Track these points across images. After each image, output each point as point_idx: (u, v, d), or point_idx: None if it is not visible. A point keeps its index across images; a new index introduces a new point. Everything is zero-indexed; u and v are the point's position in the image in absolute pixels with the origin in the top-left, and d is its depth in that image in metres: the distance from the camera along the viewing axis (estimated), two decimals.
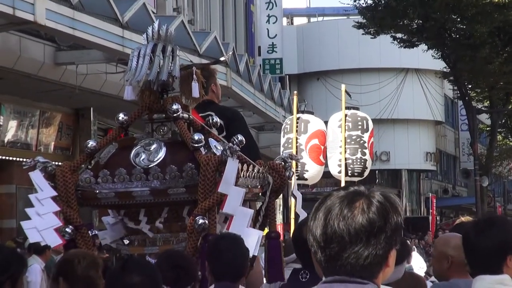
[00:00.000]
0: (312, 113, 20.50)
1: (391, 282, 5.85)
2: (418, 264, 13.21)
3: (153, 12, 20.23)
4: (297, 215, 11.08)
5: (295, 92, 23.16)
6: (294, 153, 16.21)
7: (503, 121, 44.82)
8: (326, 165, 20.31)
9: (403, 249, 6.93)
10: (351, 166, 19.77)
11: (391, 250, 3.56)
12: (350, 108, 20.65)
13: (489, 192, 42.05)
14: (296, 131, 18.13)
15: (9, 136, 20.57)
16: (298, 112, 19.37)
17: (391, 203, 3.58)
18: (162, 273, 5.49)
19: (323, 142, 18.55)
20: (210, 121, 7.43)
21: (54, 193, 7.03)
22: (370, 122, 20.50)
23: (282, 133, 18.58)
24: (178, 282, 5.60)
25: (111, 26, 17.68)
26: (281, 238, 9.29)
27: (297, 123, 18.23)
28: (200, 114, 7.57)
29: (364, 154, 20.09)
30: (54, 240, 7.21)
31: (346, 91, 20.85)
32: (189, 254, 6.62)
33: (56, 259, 10.38)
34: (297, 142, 17.79)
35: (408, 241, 19.94)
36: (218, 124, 7.58)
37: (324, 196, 3.69)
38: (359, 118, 20.35)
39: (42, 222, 7.06)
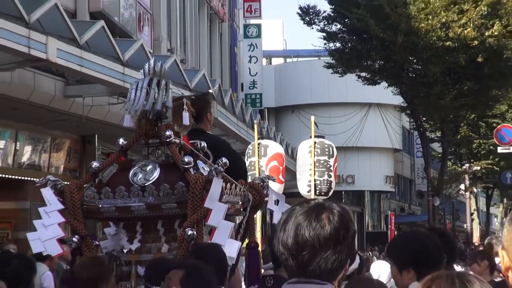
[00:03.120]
0: (323, 137, 20.66)
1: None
2: (382, 269, 13.21)
3: (150, 52, 20.25)
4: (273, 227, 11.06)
5: (256, 121, 23.35)
6: (257, 174, 16.24)
7: (453, 149, 44.78)
8: (296, 186, 20.44)
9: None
10: (319, 186, 19.81)
11: (350, 255, 3.70)
12: (318, 137, 20.76)
13: (440, 211, 42.02)
14: (258, 155, 18.33)
15: (24, 159, 20.54)
16: (262, 138, 19.59)
17: (348, 213, 3.70)
18: (154, 277, 5.55)
19: (281, 163, 18.62)
20: (198, 145, 7.51)
21: (61, 207, 7.04)
22: (335, 149, 20.55)
23: (246, 157, 18.65)
24: (189, 280, 5.44)
25: (113, 64, 17.67)
26: (260, 248, 9.32)
27: (258, 147, 18.45)
28: (190, 141, 7.62)
29: (330, 176, 20.14)
30: (55, 250, 7.21)
31: (314, 122, 20.94)
32: (198, 261, 6.55)
33: (65, 267, 10.34)
34: (259, 164, 17.90)
35: (370, 253, 20.17)
36: (205, 149, 7.63)
37: (289, 210, 3.80)
38: (326, 145, 20.41)
39: (46, 233, 7.08)
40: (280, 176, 18.53)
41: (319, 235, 3.56)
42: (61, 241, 7.54)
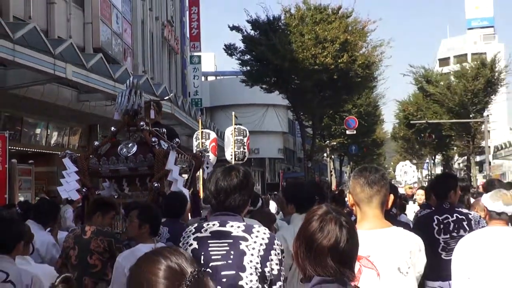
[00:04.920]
0: (240, 125, 20.99)
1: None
2: (273, 206, 13.43)
3: (131, 73, 20.21)
4: (205, 181, 11.22)
5: (198, 116, 23.66)
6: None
7: (319, 132, 44.87)
8: (224, 155, 20.75)
9: (255, 196, 6.77)
10: (237, 155, 20.09)
11: (250, 197, 3.87)
12: (237, 125, 20.97)
13: (311, 170, 42.16)
14: (203, 138, 18.89)
15: (52, 140, 20.33)
16: (204, 127, 20.13)
17: (248, 172, 3.87)
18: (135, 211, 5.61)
19: (216, 143, 19.51)
20: (160, 131, 7.62)
21: (76, 170, 7.15)
22: (247, 132, 20.86)
23: (194, 140, 19.10)
24: (143, 215, 5.37)
25: (108, 80, 17.58)
26: (200, 195, 9.41)
27: (202, 134, 18.94)
28: (154, 128, 7.67)
29: (244, 149, 20.40)
30: (75, 196, 7.30)
31: (235, 116, 21.25)
32: (150, 202, 6.51)
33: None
34: (203, 145, 18.37)
35: (268, 196, 20.37)
36: (165, 134, 7.70)
37: (214, 169, 3.99)
38: (241, 130, 20.67)
39: (68, 186, 7.15)
40: (216, 151, 19.12)
41: (229, 184, 3.70)
42: (77, 191, 7.62)
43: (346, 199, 9.23)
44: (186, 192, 7.07)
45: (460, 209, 6.30)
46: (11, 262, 4.48)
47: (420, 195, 13.07)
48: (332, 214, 2.65)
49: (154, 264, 1.97)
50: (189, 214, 7.20)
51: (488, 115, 46.38)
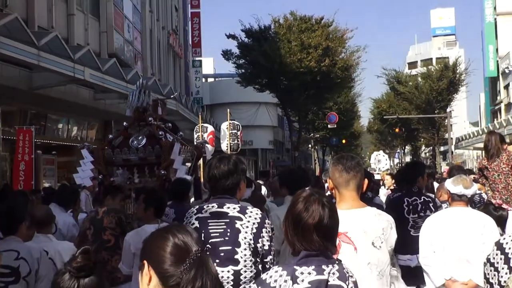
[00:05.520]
0: (234, 119, 20.93)
1: (245, 197, 6.04)
2: (264, 189, 13.44)
3: (141, 75, 20.15)
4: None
5: (200, 112, 23.54)
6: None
7: (304, 125, 44.90)
8: (220, 147, 20.66)
9: (249, 181, 6.78)
10: (232, 147, 20.09)
11: (241, 182, 3.84)
12: (232, 120, 20.95)
13: (298, 158, 42.23)
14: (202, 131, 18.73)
15: (73, 134, 20.24)
16: (204, 122, 20.05)
17: (239, 160, 3.87)
18: (143, 195, 5.62)
19: (214, 136, 19.15)
20: (166, 126, 7.60)
21: (92, 159, 7.13)
22: (241, 126, 20.86)
23: (194, 133, 18.95)
24: (149, 199, 5.39)
25: (121, 81, 17.53)
26: (202, 180, 9.40)
27: (202, 128, 18.81)
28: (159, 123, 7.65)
29: (238, 141, 20.36)
30: (88, 183, 7.30)
31: (230, 112, 21.21)
32: (157, 187, 6.57)
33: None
34: (202, 137, 18.24)
35: (260, 181, 20.37)
36: (170, 128, 7.69)
37: (210, 159, 3.99)
38: (236, 124, 20.63)
39: (83, 174, 7.14)
40: (213, 143, 18.98)
41: (222, 171, 3.73)
42: (92, 178, 7.60)
43: (326, 184, 9.17)
44: (189, 177, 7.08)
45: (427, 193, 6.34)
46: (19, 241, 4.49)
47: (388, 180, 13.49)
48: (315, 196, 2.68)
49: (163, 241, 2.00)
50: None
51: (450, 111, 46.73)
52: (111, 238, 5.77)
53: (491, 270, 3.65)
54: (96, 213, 6.07)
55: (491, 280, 3.65)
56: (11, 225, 4.52)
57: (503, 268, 3.56)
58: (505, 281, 3.49)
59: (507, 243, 3.59)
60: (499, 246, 3.63)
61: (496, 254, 3.62)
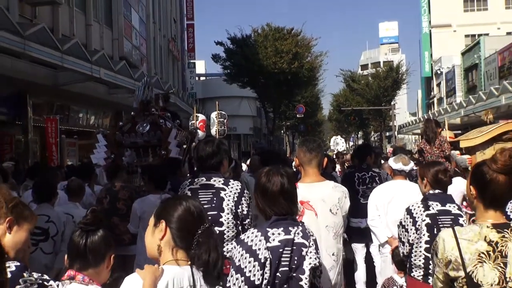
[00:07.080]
0: (222, 110, 20.75)
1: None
2: (244, 167, 13.43)
3: (146, 74, 19.93)
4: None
5: (193, 106, 23.28)
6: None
7: (278, 115, 44.71)
8: (210, 132, 20.52)
9: (230, 159, 6.73)
10: (220, 132, 20.00)
11: (224, 160, 3.81)
12: (220, 111, 20.82)
13: (272, 142, 42.25)
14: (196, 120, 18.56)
15: (91, 122, 19.95)
16: (197, 112, 19.82)
17: (221, 143, 3.84)
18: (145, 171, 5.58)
19: (204, 123, 18.93)
20: (166, 115, 7.51)
21: (105, 143, 7.03)
22: (227, 116, 20.82)
23: (189, 121, 18.79)
24: (151, 174, 5.38)
25: (129, 80, 17.40)
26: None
27: (196, 117, 18.64)
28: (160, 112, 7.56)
29: (224, 127, 20.35)
30: (102, 162, 7.19)
31: (218, 104, 21.04)
32: (158, 165, 6.55)
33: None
34: (195, 124, 18.08)
35: (241, 160, 20.37)
36: (169, 117, 7.60)
37: (198, 142, 3.96)
38: (223, 114, 20.60)
39: (98, 155, 7.04)
40: (204, 129, 18.82)
41: (207, 151, 3.70)
42: (105, 158, 7.52)
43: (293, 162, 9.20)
44: (181, 158, 6.97)
45: (374, 169, 6.38)
46: (50, 207, 4.60)
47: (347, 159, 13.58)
48: (274, 170, 2.70)
49: (182, 206, 1.98)
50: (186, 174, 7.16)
51: (394, 104, 47.09)
52: (124, 207, 5.73)
53: (402, 231, 3.75)
54: (112, 185, 6.02)
55: (403, 239, 3.74)
56: (45, 195, 4.57)
57: (411, 229, 3.65)
58: (412, 240, 3.62)
59: (414, 209, 3.68)
60: (409, 211, 3.72)
61: (406, 218, 3.71)
